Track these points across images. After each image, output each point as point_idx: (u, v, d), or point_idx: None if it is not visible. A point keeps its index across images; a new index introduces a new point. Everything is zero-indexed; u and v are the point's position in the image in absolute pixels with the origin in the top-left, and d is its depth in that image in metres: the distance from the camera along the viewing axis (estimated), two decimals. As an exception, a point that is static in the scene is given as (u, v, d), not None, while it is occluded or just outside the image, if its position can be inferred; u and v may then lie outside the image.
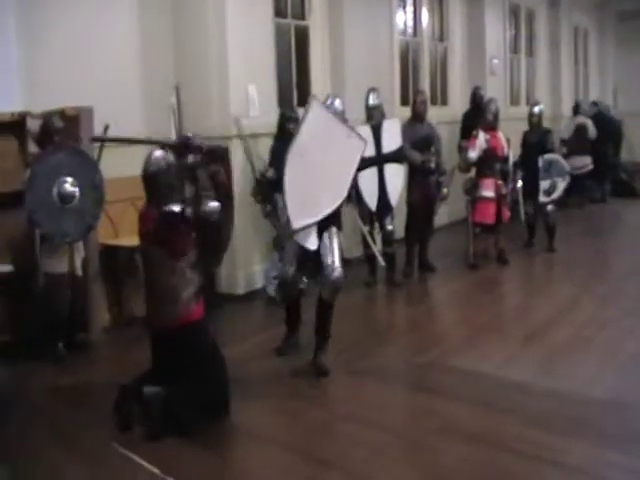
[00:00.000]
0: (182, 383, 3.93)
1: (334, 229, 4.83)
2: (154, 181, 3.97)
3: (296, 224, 4.48)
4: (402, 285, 7.09)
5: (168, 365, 4.00)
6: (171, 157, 4.02)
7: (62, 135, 5.16)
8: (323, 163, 4.53)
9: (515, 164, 8.09)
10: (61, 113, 5.28)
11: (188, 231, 3.97)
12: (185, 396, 3.91)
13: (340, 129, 4.70)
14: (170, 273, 3.92)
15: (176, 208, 3.87)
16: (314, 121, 4.53)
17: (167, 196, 3.95)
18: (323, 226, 4.72)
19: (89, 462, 3.66)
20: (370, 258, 6.85)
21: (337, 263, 4.72)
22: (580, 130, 11.73)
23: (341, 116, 5.12)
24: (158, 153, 4.02)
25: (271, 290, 6.49)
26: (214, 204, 3.97)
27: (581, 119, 11.99)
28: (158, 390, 3.83)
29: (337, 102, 5.43)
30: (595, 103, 13.45)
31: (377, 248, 6.37)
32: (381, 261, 6.33)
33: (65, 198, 4.97)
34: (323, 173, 4.55)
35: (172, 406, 3.84)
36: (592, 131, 11.78)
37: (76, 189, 5.01)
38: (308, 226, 4.56)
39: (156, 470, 3.48)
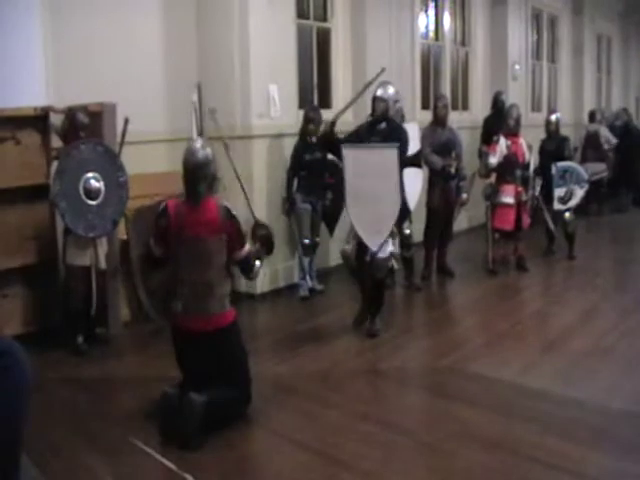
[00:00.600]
0: (217, 386, 3.89)
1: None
2: (197, 172, 3.88)
3: (374, 246, 5.32)
4: (421, 288, 7.08)
5: (202, 368, 3.94)
6: (210, 150, 3.97)
7: (87, 131, 5.18)
8: (374, 187, 5.27)
9: (535, 171, 8.04)
10: (84, 109, 5.30)
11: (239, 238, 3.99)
12: (223, 400, 3.89)
13: (371, 153, 5.40)
14: (211, 266, 3.89)
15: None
16: (350, 162, 5.35)
17: (210, 188, 3.93)
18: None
19: (107, 455, 3.67)
20: None
21: (386, 247, 5.39)
22: (591, 137, 11.63)
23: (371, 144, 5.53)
24: (198, 144, 3.98)
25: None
26: (259, 266, 4.20)
27: (594, 127, 11.88)
28: (204, 398, 3.73)
29: (390, 89, 5.73)
30: (625, 110, 13.34)
31: (395, 251, 6.39)
32: (395, 264, 6.34)
33: (91, 193, 5.04)
34: (377, 194, 5.26)
35: (213, 412, 3.77)
36: (606, 138, 11.63)
37: (101, 185, 5.08)
38: (385, 241, 5.36)
39: (173, 466, 3.48)
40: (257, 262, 4.17)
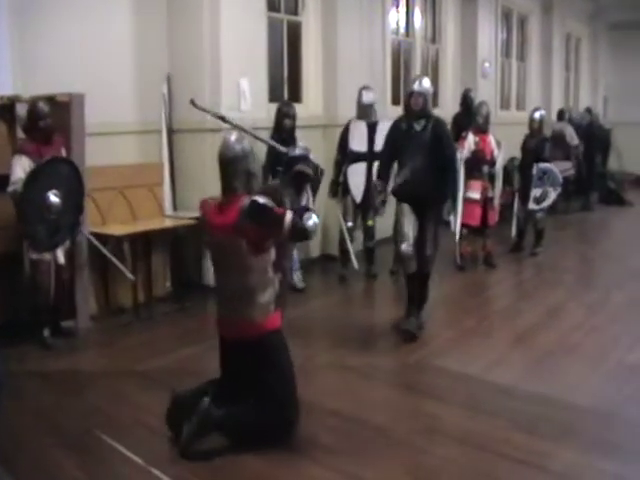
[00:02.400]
0: (247, 401, 3.60)
1: (430, 217, 5.34)
2: (231, 167, 3.61)
3: None
4: (376, 276, 7.17)
5: (236, 378, 3.69)
6: (247, 143, 3.70)
7: (48, 120, 5.09)
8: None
9: (506, 168, 8.14)
10: (52, 99, 5.21)
11: (274, 228, 3.58)
12: (244, 420, 3.60)
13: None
14: (248, 271, 3.56)
15: (263, 201, 3.52)
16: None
17: (246, 184, 3.63)
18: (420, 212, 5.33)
19: (74, 450, 3.62)
20: (344, 252, 7.12)
21: (428, 245, 5.36)
22: (557, 136, 11.80)
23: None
24: (233, 137, 3.68)
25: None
26: (314, 221, 3.61)
27: (559, 125, 12.16)
28: (220, 413, 3.51)
29: (426, 82, 5.46)
30: (589, 110, 13.56)
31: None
32: (355, 264, 6.39)
33: (50, 208, 5.02)
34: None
35: (230, 430, 3.58)
36: (571, 137, 11.89)
37: (59, 200, 5.06)
38: None
39: (140, 460, 3.45)
40: (308, 217, 3.60)
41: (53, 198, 5.03)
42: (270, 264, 3.63)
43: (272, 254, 3.65)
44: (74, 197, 5.20)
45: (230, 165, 3.61)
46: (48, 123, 5.10)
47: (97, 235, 5.58)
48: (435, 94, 10.92)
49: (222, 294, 3.73)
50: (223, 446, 3.55)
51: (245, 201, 3.52)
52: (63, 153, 5.24)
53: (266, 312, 3.61)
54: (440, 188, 5.30)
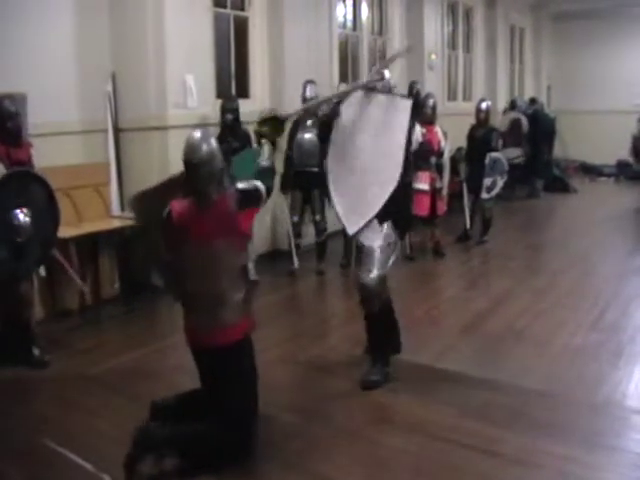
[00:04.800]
0: (202, 417, 3.42)
1: (388, 225, 4.25)
2: (201, 171, 3.34)
3: (351, 229, 4.08)
4: (324, 273, 7.17)
5: (201, 391, 3.55)
6: (213, 140, 3.44)
7: (16, 121, 4.82)
8: (368, 145, 4.11)
9: (453, 158, 8.24)
10: (10, 97, 4.96)
11: (259, 201, 3.53)
12: (192, 436, 3.36)
13: (380, 98, 4.23)
14: (229, 271, 3.41)
15: (242, 185, 3.47)
16: (350, 114, 4.18)
17: (219, 184, 3.41)
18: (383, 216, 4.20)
19: (20, 458, 3.56)
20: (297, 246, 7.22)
21: (374, 266, 4.19)
22: (514, 124, 12.22)
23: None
24: (198, 136, 3.40)
25: None
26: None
27: (515, 114, 12.53)
28: (163, 432, 3.32)
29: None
30: (534, 100, 13.87)
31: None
32: (295, 262, 6.43)
33: (19, 230, 4.60)
34: (371, 157, 4.10)
35: (174, 447, 3.35)
36: (525, 126, 12.29)
37: (28, 220, 4.63)
38: (366, 225, 4.09)
39: (90, 466, 3.40)
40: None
41: (22, 217, 4.59)
42: (242, 268, 3.49)
43: (245, 257, 3.54)
44: (44, 226, 4.72)
45: (198, 169, 3.35)
46: (16, 123, 4.82)
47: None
48: (382, 86, 11.00)
49: (195, 302, 3.46)
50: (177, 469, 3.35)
51: (232, 196, 3.41)
52: (33, 158, 4.97)
53: (238, 314, 3.43)
54: None
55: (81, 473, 3.38)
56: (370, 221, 4.08)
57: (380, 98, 4.21)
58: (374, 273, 4.18)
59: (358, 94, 4.26)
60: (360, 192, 4.07)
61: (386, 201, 4.04)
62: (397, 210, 4.20)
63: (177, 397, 3.61)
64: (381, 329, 4.37)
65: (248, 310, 3.53)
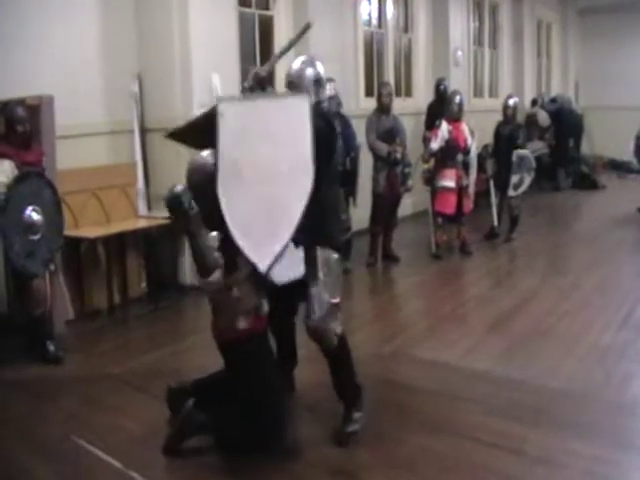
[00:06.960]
0: (233, 404, 3.50)
1: (320, 249, 3.55)
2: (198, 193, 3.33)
3: (263, 264, 3.17)
4: (352, 272, 7.06)
5: (227, 378, 3.64)
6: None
7: (25, 125, 4.95)
8: (264, 158, 3.29)
9: (480, 155, 8.20)
10: (22, 102, 5.11)
11: None
12: (229, 421, 3.51)
13: (268, 102, 3.53)
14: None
15: None
16: (231, 122, 3.36)
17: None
18: (307, 242, 3.55)
19: (49, 457, 3.60)
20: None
21: (321, 302, 3.51)
22: (530, 118, 12.44)
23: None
24: (201, 160, 3.47)
25: None
26: None
27: (532, 110, 12.80)
28: (202, 418, 3.46)
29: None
30: (554, 100, 13.83)
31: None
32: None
33: (32, 227, 4.72)
34: (269, 171, 3.30)
35: (211, 430, 3.51)
36: (543, 119, 12.42)
37: (40, 217, 4.76)
38: (280, 255, 3.18)
39: (120, 465, 3.43)
40: None
41: (36, 215, 4.72)
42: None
43: None
44: (51, 229, 4.84)
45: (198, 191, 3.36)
46: (26, 128, 4.95)
47: (70, 238, 5.54)
48: (408, 84, 11.00)
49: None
50: (210, 448, 3.52)
51: None
52: (44, 161, 5.06)
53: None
54: None
55: (110, 471, 3.41)
56: (286, 247, 3.20)
57: (266, 103, 3.50)
58: (316, 313, 3.52)
59: (240, 105, 3.55)
60: (266, 215, 3.23)
61: (302, 218, 3.18)
62: (320, 225, 3.49)
63: (195, 382, 3.76)
64: (347, 366, 3.77)
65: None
